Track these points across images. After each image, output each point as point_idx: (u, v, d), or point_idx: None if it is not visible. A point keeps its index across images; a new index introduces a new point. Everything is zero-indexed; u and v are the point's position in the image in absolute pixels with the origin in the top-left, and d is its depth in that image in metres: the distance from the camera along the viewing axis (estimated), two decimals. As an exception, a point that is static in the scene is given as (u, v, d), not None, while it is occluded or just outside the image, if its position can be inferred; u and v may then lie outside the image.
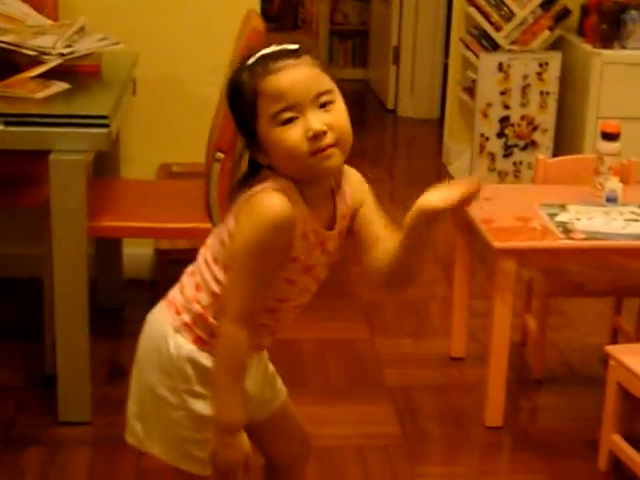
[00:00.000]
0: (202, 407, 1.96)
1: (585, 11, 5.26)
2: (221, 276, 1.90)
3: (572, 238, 3.09)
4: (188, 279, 1.99)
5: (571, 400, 3.42)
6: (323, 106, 1.78)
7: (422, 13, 7.18)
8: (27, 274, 3.96)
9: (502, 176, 5.41)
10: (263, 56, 1.80)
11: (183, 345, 1.95)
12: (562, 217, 3.22)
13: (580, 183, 3.50)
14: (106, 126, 2.95)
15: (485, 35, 5.50)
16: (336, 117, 1.80)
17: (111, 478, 2.90)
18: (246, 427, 2.02)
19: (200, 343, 1.95)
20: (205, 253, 1.97)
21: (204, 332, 1.95)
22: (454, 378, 3.55)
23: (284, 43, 1.83)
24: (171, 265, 3.94)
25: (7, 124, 2.93)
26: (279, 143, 1.78)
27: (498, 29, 5.43)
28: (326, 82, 1.80)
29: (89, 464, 2.96)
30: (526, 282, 3.66)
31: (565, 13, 5.41)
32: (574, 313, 4.06)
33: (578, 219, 3.20)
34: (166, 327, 1.98)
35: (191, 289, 1.96)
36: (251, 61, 1.81)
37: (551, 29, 5.40)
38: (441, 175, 5.92)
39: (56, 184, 2.94)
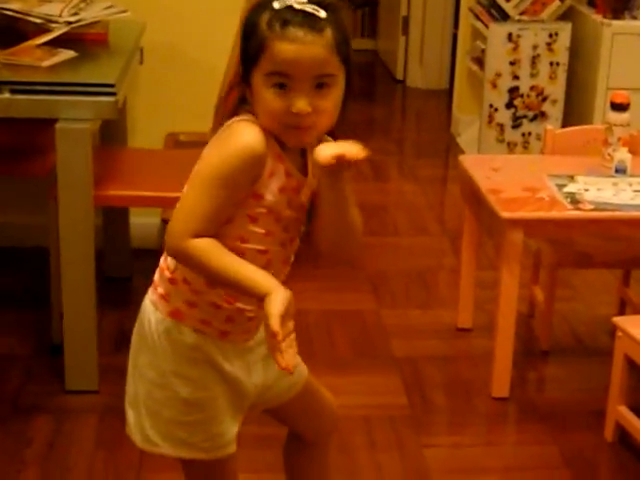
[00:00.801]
0: (185, 390, 1.94)
1: (596, -19, 5.22)
2: None
3: (580, 209, 3.08)
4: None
5: (578, 371, 3.42)
6: (319, 86, 1.77)
7: (432, -17, 7.13)
8: (34, 243, 3.96)
9: (511, 147, 5.38)
10: (290, 11, 1.75)
11: (160, 321, 1.94)
12: (570, 188, 3.20)
13: (589, 154, 3.49)
14: (113, 94, 2.94)
15: (495, 5, 5.45)
16: (326, 102, 1.79)
17: (118, 446, 2.90)
18: (272, 409, 2.06)
19: (176, 315, 1.92)
20: None
21: (180, 301, 1.92)
22: (461, 349, 3.54)
23: (323, 1, 1.78)
24: (178, 235, 3.94)
25: (13, 92, 2.93)
26: (264, 101, 1.78)
27: (508, -1, 5.39)
28: (332, 66, 1.78)
29: (96, 432, 2.97)
30: (534, 253, 3.65)
31: (576, -17, 5.38)
32: (582, 284, 4.05)
33: (587, 190, 3.19)
34: (147, 304, 1.98)
35: (162, 259, 1.96)
36: (278, 6, 1.76)
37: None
38: (450, 146, 5.91)
39: (62, 153, 2.94)
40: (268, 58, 1.75)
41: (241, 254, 1.84)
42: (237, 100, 1.87)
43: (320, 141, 1.84)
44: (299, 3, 1.76)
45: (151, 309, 1.96)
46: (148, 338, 1.96)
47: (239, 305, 1.91)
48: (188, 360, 1.94)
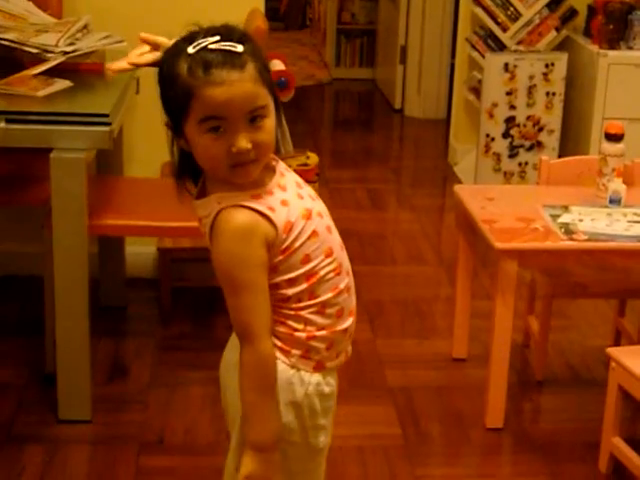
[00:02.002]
0: (323, 440, 2.00)
1: (592, 12, 5.24)
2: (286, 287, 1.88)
3: (574, 239, 3.08)
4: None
5: (573, 402, 3.41)
6: (253, 120, 1.77)
7: (429, 13, 7.17)
8: (28, 272, 3.96)
9: (508, 177, 5.39)
10: (208, 53, 1.74)
11: (308, 379, 1.93)
12: (565, 218, 3.20)
13: (584, 184, 3.49)
14: (107, 124, 2.94)
15: (491, 35, 5.49)
16: (263, 134, 1.78)
17: (111, 477, 2.90)
18: None
19: (320, 368, 1.94)
20: None
21: (322, 352, 1.93)
22: (455, 379, 3.54)
23: (231, 36, 1.77)
24: (174, 264, 3.95)
25: (9, 122, 2.93)
26: (202, 148, 1.77)
27: (504, 29, 5.42)
28: (262, 97, 1.78)
29: (89, 462, 2.96)
30: (529, 283, 3.65)
31: (572, 14, 5.40)
32: (577, 315, 4.05)
33: (581, 220, 3.19)
34: (286, 374, 1.92)
35: (281, 326, 1.90)
36: (194, 50, 1.75)
37: (557, 30, 5.39)
38: (447, 175, 5.92)
39: (57, 182, 2.94)
40: (198, 105, 1.74)
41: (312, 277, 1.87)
42: (180, 153, 1.86)
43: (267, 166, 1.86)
44: (212, 43, 1.75)
45: (291, 372, 1.92)
46: (291, 402, 1.92)
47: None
48: (327, 409, 1.98)
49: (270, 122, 1.80)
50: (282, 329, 1.89)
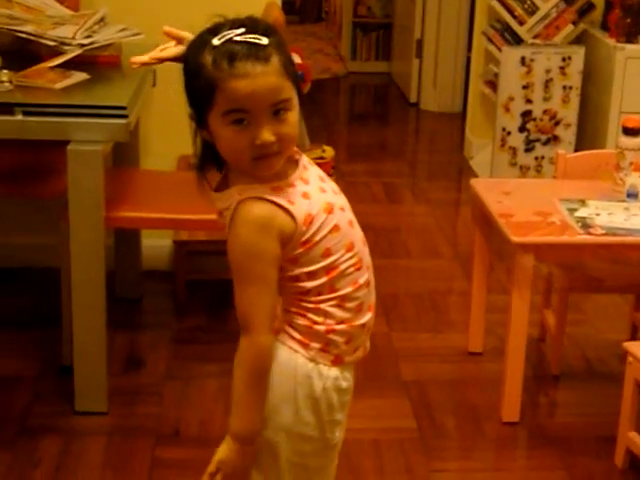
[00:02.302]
0: (338, 435, 2.00)
1: (609, 5, 5.22)
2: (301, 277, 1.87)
3: (591, 233, 3.07)
4: (286, 314, 1.92)
5: (588, 396, 3.40)
6: (277, 113, 1.76)
7: (445, 6, 7.15)
8: (45, 264, 3.98)
9: (524, 171, 5.38)
10: (233, 46, 1.74)
11: (326, 374, 1.92)
12: (582, 212, 3.19)
13: (601, 178, 3.48)
14: (124, 117, 2.95)
15: (508, 29, 5.47)
16: (286, 127, 1.78)
17: (126, 468, 2.90)
18: None
19: (338, 362, 1.94)
20: None
21: (341, 345, 1.92)
22: (471, 373, 3.53)
23: (256, 28, 1.77)
24: (189, 256, 3.95)
25: (26, 114, 2.94)
26: (225, 141, 1.78)
27: (521, 23, 5.40)
28: (286, 91, 1.77)
29: (105, 454, 2.97)
30: (545, 277, 3.64)
31: (589, 7, 5.38)
32: (593, 309, 4.04)
33: (598, 214, 3.18)
34: (301, 365, 1.91)
35: (301, 318, 1.90)
36: (219, 42, 1.75)
37: (574, 23, 5.37)
38: (463, 169, 5.91)
39: (74, 174, 2.95)
40: (222, 98, 1.74)
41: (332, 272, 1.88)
42: (203, 144, 1.87)
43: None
44: (238, 35, 1.75)
45: (310, 366, 1.91)
46: (307, 396, 1.92)
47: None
48: (343, 404, 1.98)
49: (294, 115, 1.80)
50: (302, 322, 1.89)
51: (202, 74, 1.75)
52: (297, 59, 4.71)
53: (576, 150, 5.09)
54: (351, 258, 1.89)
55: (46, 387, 3.29)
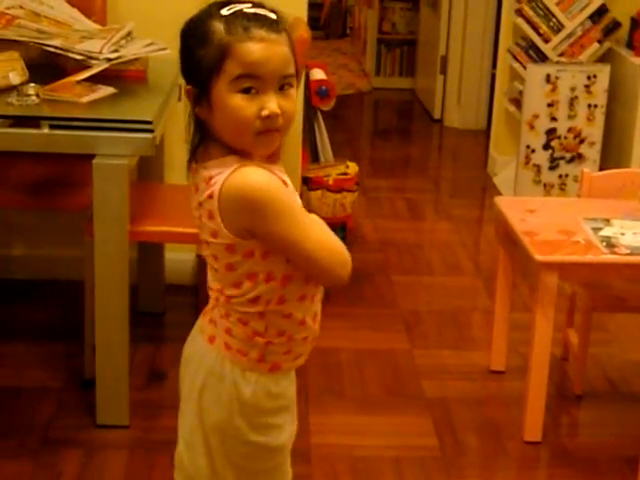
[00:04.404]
0: (277, 438, 1.98)
1: (635, 24, 5.21)
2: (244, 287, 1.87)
3: (616, 253, 3.06)
4: (223, 321, 1.92)
5: (612, 416, 3.38)
6: (281, 88, 1.77)
7: (470, 23, 7.15)
8: (69, 277, 3.99)
9: (548, 189, 5.37)
10: (245, 15, 1.76)
11: (256, 379, 1.93)
12: (606, 231, 3.18)
13: (625, 197, 3.47)
14: (150, 131, 2.96)
15: (533, 46, 5.47)
16: (289, 103, 1.79)
17: (147, 482, 2.91)
18: None
19: (275, 369, 1.94)
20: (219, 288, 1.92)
21: (278, 354, 1.93)
22: (493, 391, 3.52)
23: (262, 6, 1.79)
24: (212, 271, 3.96)
25: (52, 127, 2.95)
26: (231, 110, 1.76)
27: (546, 40, 5.39)
28: (292, 66, 1.79)
29: (126, 467, 2.97)
30: (569, 296, 3.63)
31: (614, 26, 5.37)
32: (617, 328, 4.02)
33: (622, 234, 3.17)
34: (232, 370, 1.92)
35: (241, 327, 1.90)
36: (229, 12, 1.76)
37: (600, 41, 5.36)
38: (486, 186, 5.90)
39: (99, 188, 2.96)
40: (235, 62, 1.73)
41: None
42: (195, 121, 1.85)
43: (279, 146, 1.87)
44: (248, 8, 1.76)
45: (237, 373, 1.92)
46: (239, 401, 1.92)
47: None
48: (279, 408, 1.97)
49: (295, 93, 1.82)
50: (243, 330, 1.88)
51: (212, 40, 1.75)
52: (322, 75, 4.73)
53: (601, 168, 5.08)
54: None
55: (68, 399, 3.30)
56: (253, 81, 1.74)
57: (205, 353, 1.94)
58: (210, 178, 1.80)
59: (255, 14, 1.76)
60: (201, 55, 1.77)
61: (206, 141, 1.84)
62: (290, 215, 1.79)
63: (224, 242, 1.82)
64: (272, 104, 1.75)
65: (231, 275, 1.85)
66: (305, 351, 1.98)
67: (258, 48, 1.73)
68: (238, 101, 1.75)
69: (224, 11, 1.76)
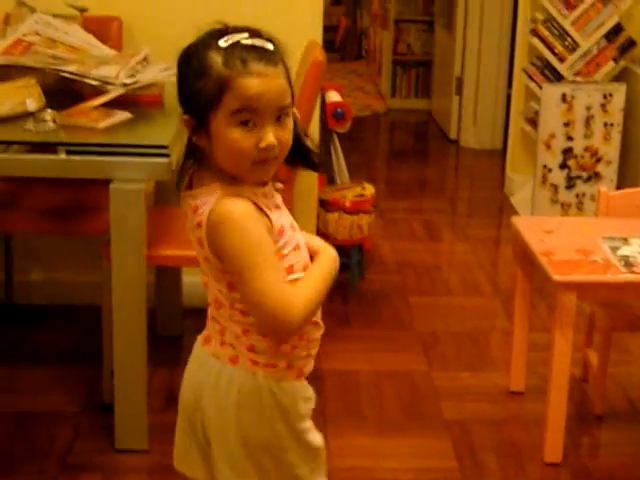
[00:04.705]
0: (316, 438, 2.02)
1: (650, 42, 5.21)
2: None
3: (634, 272, 3.04)
4: (242, 339, 1.94)
5: (632, 437, 3.36)
6: (278, 118, 1.80)
7: (485, 44, 7.16)
8: (86, 301, 4.00)
9: (565, 208, 5.35)
10: (243, 47, 1.77)
11: (291, 387, 1.97)
12: (624, 251, 3.17)
13: (643, 216, 3.45)
14: (166, 156, 2.97)
15: (549, 66, 5.47)
16: (286, 133, 1.82)
17: (166, 507, 2.90)
18: None
19: (300, 375, 1.98)
20: (222, 299, 1.94)
21: (299, 361, 1.98)
22: (513, 412, 3.50)
23: (259, 35, 1.81)
24: (230, 294, 3.96)
25: (69, 153, 2.97)
26: (230, 142, 1.78)
27: (562, 60, 5.39)
28: (289, 97, 1.82)
29: (145, 492, 2.97)
30: (588, 316, 3.61)
31: (630, 44, 5.36)
32: (636, 348, 3.99)
33: (641, 253, 3.16)
34: (266, 382, 1.95)
35: (264, 340, 1.93)
36: (226, 44, 1.77)
37: (615, 60, 5.36)
38: (503, 206, 5.89)
39: (116, 213, 2.97)
40: (232, 97, 1.75)
41: None
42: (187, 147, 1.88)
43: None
44: (244, 39, 1.78)
45: (273, 385, 1.95)
46: (275, 409, 1.95)
47: None
48: (309, 411, 2.02)
49: (291, 122, 1.84)
50: (266, 343, 1.91)
51: (210, 74, 1.77)
52: (337, 97, 4.74)
53: (618, 187, 5.06)
54: None
55: (87, 424, 3.30)
56: (251, 114, 1.77)
57: (232, 375, 1.94)
58: (197, 208, 1.84)
59: (252, 46, 1.78)
60: (199, 87, 1.79)
61: (201, 168, 1.87)
62: (249, 241, 1.79)
63: (216, 267, 1.86)
64: (269, 136, 1.78)
65: (236, 293, 1.88)
66: (316, 353, 2.03)
67: (256, 83, 1.76)
68: (237, 134, 1.78)
69: (222, 42, 1.78)
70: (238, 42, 1.78)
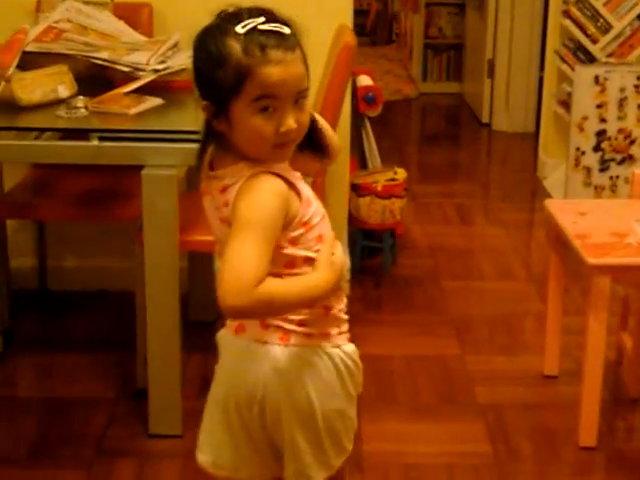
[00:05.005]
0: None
1: (685, 22, 5.16)
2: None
3: (669, 255, 3.02)
4: (290, 317, 1.96)
5: (668, 421, 3.34)
6: (296, 101, 1.81)
7: (517, 26, 7.11)
8: (120, 287, 4.02)
9: (598, 191, 5.31)
10: (261, 33, 1.77)
11: (347, 353, 2.01)
12: (659, 233, 3.14)
13: (678, 198, 3.42)
14: (198, 141, 2.96)
15: (581, 48, 5.42)
16: (304, 115, 1.83)
17: (200, 491, 2.91)
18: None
19: (349, 339, 2.02)
20: None
21: (345, 325, 2.02)
22: (547, 396, 3.48)
23: (275, 18, 1.80)
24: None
25: (102, 139, 2.98)
26: (251, 128, 1.79)
27: (594, 41, 5.35)
28: (306, 80, 1.82)
29: (180, 477, 2.98)
30: (622, 299, 3.59)
31: (664, 25, 5.32)
32: (672, 331, 3.96)
33: (676, 235, 3.13)
34: (325, 351, 1.98)
35: (312, 313, 1.95)
36: (244, 30, 1.77)
37: (649, 41, 5.31)
38: (536, 190, 5.85)
39: (148, 199, 2.97)
40: (253, 85, 1.76)
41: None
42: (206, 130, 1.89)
43: None
44: (261, 24, 1.77)
45: (337, 353, 1.99)
46: (336, 377, 1.99)
47: None
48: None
49: (308, 104, 1.85)
50: (316, 312, 1.94)
51: (229, 62, 1.76)
52: (369, 81, 4.72)
53: (652, 169, 5.02)
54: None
55: (121, 409, 3.32)
56: (271, 100, 1.78)
57: (292, 354, 1.94)
58: (224, 188, 1.85)
59: (270, 31, 1.77)
60: (219, 76, 1.79)
61: (221, 150, 1.89)
62: (258, 215, 1.77)
63: None
64: (290, 120, 1.80)
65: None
66: None
67: (277, 71, 1.76)
68: (258, 121, 1.79)
69: (239, 28, 1.77)
70: (255, 27, 1.77)
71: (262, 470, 2.07)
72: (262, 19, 1.78)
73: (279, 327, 1.94)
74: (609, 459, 3.13)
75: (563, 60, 5.56)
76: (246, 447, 2.04)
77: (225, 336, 2.06)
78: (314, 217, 1.90)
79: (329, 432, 1.99)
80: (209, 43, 1.80)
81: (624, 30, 5.31)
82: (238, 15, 1.80)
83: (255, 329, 1.96)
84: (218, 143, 1.89)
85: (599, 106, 5.22)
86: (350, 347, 2.02)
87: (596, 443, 3.15)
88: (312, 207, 1.90)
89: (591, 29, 5.34)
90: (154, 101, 3.19)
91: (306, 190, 1.90)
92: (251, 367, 1.97)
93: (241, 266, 1.74)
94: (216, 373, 2.10)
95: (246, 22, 1.77)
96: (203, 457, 2.13)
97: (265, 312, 1.86)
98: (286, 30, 1.79)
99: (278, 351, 1.94)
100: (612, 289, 3.06)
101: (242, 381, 1.99)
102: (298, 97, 1.80)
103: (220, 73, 1.78)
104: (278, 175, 1.83)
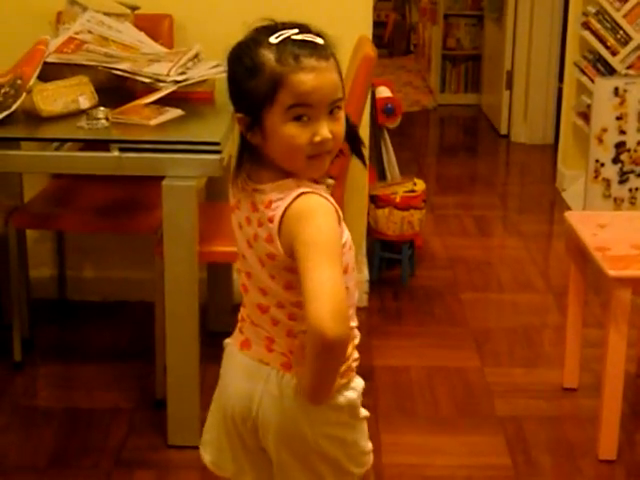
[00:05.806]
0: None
1: None
2: None
3: (690, 267, 3.00)
4: (286, 340, 1.92)
5: (689, 434, 3.32)
6: (331, 112, 1.80)
7: (536, 37, 7.11)
8: (139, 298, 4.03)
9: (618, 203, 5.30)
10: (294, 43, 1.77)
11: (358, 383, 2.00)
12: (680, 246, 3.13)
13: (699, 211, 3.41)
14: (218, 152, 2.97)
15: (600, 59, 5.41)
16: (339, 126, 1.82)
17: (219, 502, 2.91)
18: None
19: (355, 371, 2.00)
20: (268, 301, 1.91)
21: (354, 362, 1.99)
22: (566, 409, 3.47)
23: (309, 30, 1.80)
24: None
25: (122, 150, 2.99)
26: (285, 138, 1.78)
27: (614, 53, 5.34)
28: (341, 90, 1.81)
29: (198, 488, 2.98)
30: (642, 312, 3.58)
31: (684, 36, 5.30)
32: (692, 344, 3.94)
33: (697, 248, 3.11)
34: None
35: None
36: (277, 40, 1.77)
37: (669, 53, 5.29)
38: (555, 201, 5.84)
39: (169, 209, 2.98)
40: (287, 93, 1.75)
41: None
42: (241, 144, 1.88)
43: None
44: (296, 34, 1.78)
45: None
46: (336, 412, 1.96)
47: None
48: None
49: (343, 115, 1.84)
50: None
51: (263, 71, 1.76)
52: (388, 92, 4.73)
53: (672, 182, 5.00)
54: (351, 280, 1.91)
55: (140, 420, 3.32)
56: (305, 109, 1.77)
57: (288, 383, 1.92)
58: (270, 202, 1.82)
59: (303, 41, 1.78)
60: (252, 86, 1.78)
61: (257, 163, 1.87)
62: (326, 237, 1.75)
63: (281, 263, 1.83)
64: (324, 130, 1.78)
65: (290, 294, 1.86)
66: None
67: (310, 78, 1.75)
68: (292, 130, 1.77)
69: (273, 39, 1.78)
70: (289, 38, 1.78)
71: (259, 476, 2.06)
72: (296, 30, 1.79)
73: (284, 354, 1.92)
74: (629, 472, 3.11)
75: (582, 72, 5.55)
76: (243, 454, 2.04)
77: (231, 345, 2.06)
78: (345, 244, 1.86)
79: (324, 459, 1.95)
80: (243, 54, 1.81)
81: (644, 42, 5.29)
82: (272, 28, 1.81)
83: (260, 349, 1.95)
84: (253, 157, 1.87)
85: (618, 118, 5.21)
86: (356, 381, 1.99)
87: (616, 456, 3.14)
88: (346, 232, 1.87)
89: (611, 41, 5.33)
90: (174, 112, 3.20)
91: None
92: (249, 385, 1.96)
93: (338, 293, 1.71)
94: (220, 377, 2.09)
95: (280, 33, 1.78)
96: (207, 457, 2.14)
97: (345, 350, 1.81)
98: (319, 40, 1.79)
99: (278, 377, 1.92)
100: (633, 301, 3.04)
101: (239, 396, 1.98)
102: (332, 107, 1.79)
103: (254, 83, 1.78)
104: (325, 198, 1.80)
